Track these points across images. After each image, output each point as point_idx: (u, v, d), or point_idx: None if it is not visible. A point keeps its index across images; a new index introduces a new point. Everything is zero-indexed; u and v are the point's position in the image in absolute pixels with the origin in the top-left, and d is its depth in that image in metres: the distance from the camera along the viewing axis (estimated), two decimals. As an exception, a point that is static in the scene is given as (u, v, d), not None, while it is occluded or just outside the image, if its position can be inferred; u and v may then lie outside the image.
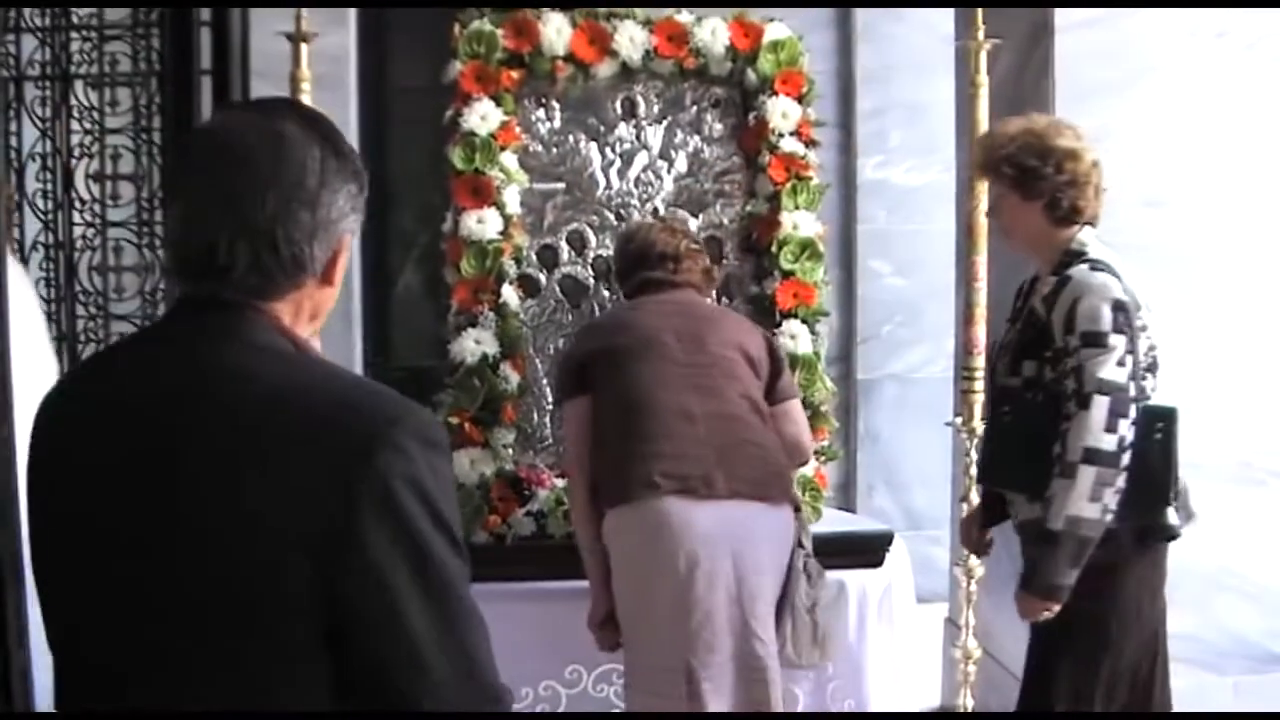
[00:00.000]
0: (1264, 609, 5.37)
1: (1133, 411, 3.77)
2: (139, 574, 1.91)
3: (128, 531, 1.92)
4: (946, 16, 5.93)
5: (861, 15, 7.82)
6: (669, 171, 5.03)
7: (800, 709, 4.67)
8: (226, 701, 1.89)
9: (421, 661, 1.88)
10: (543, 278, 5.00)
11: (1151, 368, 3.93)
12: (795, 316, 4.90)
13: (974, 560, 4.93)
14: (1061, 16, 5.11)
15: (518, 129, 4.89)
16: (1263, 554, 5.37)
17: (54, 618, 2.07)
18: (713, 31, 4.93)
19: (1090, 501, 3.76)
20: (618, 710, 4.51)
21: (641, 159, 5.05)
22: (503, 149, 4.80)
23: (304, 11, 4.65)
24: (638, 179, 5.05)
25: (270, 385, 1.93)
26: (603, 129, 5.03)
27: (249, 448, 1.88)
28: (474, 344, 4.70)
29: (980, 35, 4.95)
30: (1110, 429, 3.75)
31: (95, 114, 4.91)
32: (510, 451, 4.77)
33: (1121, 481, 3.75)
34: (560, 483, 4.78)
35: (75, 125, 4.93)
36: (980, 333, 4.88)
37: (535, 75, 4.92)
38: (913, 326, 7.75)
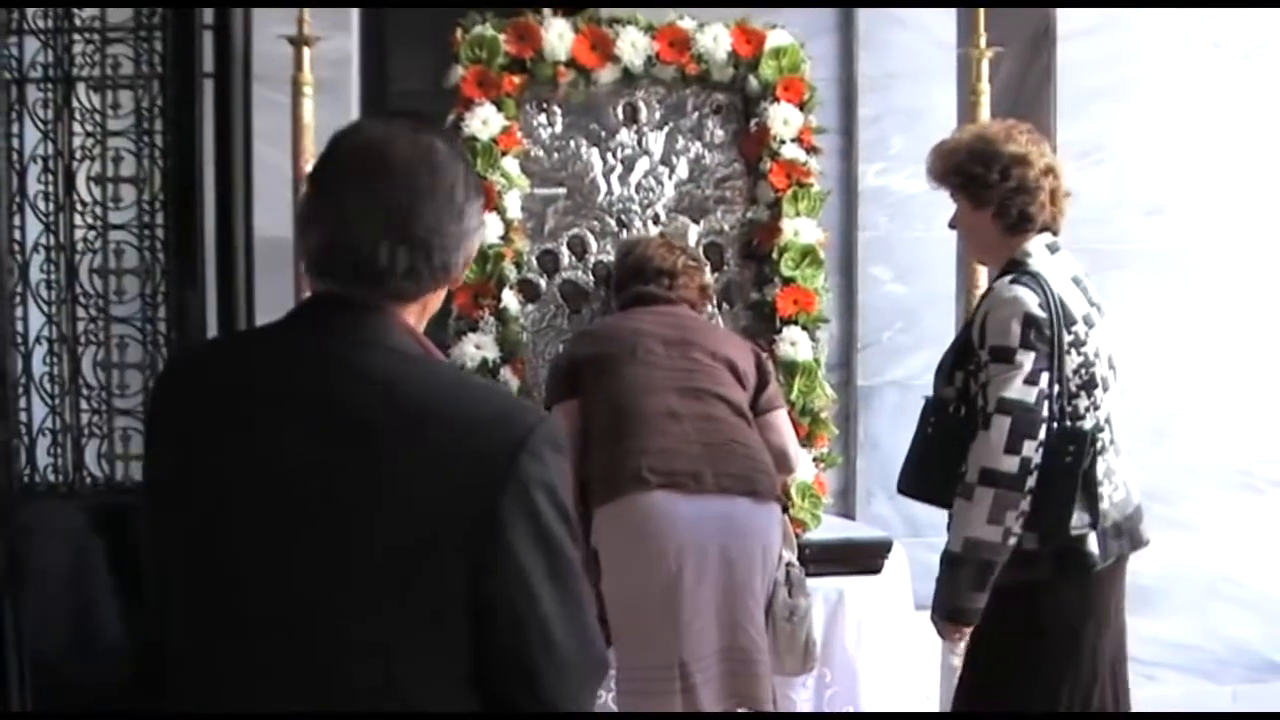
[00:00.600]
0: (1262, 617, 5.38)
1: (1042, 432, 3.61)
2: (284, 571, 2.05)
3: (272, 526, 2.06)
4: (949, 24, 5.94)
5: (863, 22, 7.80)
6: (670, 177, 5.04)
7: (798, 716, 4.68)
8: (361, 677, 2.04)
9: (551, 641, 2.08)
10: (543, 283, 5.01)
11: (1087, 385, 3.75)
12: (796, 323, 4.90)
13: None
14: (1063, 25, 5.13)
15: (519, 134, 4.90)
16: (1261, 562, 5.38)
17: (182, 602, 2.18)
18: (715, 38, 4.94)
19: (989, 524, 3.62)
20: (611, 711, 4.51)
21: (643, 165, 5.05)
22: (504, 154, 4.81)
23: (306, 15, 4.66)
24: (639, 185, 5.05)
25: (412, 391, 2.07)
26: (604, 134, 5.04)
27: (397, 454, 2.02)
28: (474, 349, 4.70)
29: (982, 43, 4.95)
30: (1011, 450, 3.60)
31: (97, 116, 4.91)
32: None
33: (1026, 504, 3.61)
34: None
35: (77, 128, 4.93)
36: (980, 340, 4.87)
37: (537, 80, 4.92)
38: (913, 333, 7.72)
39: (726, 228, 5.07)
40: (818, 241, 4.94)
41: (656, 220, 5.04)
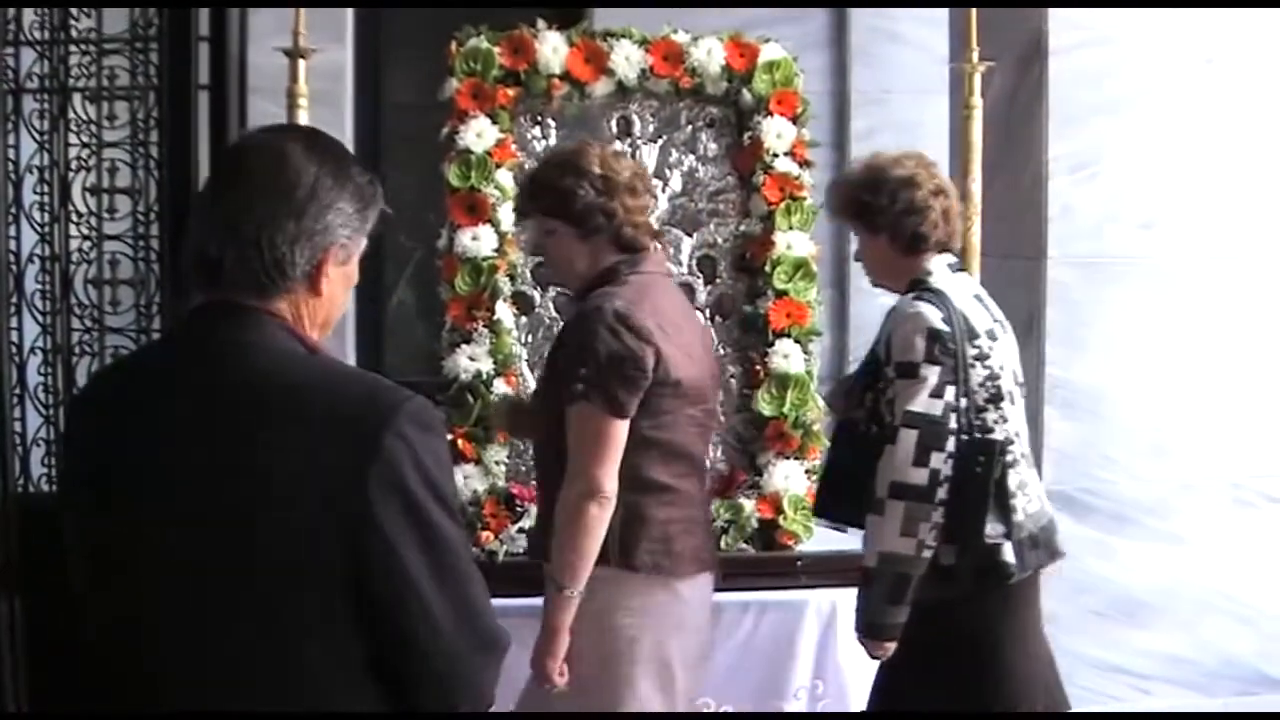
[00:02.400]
0: (1255, 631, 5.39)
1: (950, 444, 3.66)
2: (176, 563, 2.14)
3: (164, 520, 2.15)
4: (942, 39, 5.96)
5: (857, 37, 7.86)
6: (663, 190, 5.04)
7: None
8: (267, 667, 2.13)
9: (432, 619, 2.15)
10: (537, 295, 5.01)
11: (994, 399, 3.79)
12: (788, 336, 4.90)
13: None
14: (1055, 39, 5.14)
15: (513, 146, 4.90)
16: (1254, 576, 5.38)
17: (96, 604, 2.29)
18: (709, 51, 4.94)
19: (902, 536, 3.66)
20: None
21: (637, 177, 5.06)
22: (498, 166, 4.81)
23: (301, 28, 4.67)
24: (632, 197, 5.06)
25: (282, 380, 2.17)
26: (598, 147, 5.05)
27: (271, 440, 2.12)
28: (468, 361, 4.70)
29: (975, 58, 4.97)
30: (920, 463, 3.65)
31: (93, 127, 4.94)
32: (503, 468, 4.77)
33: (939, 516, 3.65)
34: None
35: (73, 138, 4.96)
36: (972, 353, 4.88)
37: (531, 93, 4.93)
38: (905, 347, 7.76)
39: (720, 241, 5.08)
40: (810, 255, 4.95)
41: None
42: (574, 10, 7.23)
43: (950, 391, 3.69)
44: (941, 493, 3.65)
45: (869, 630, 3.82)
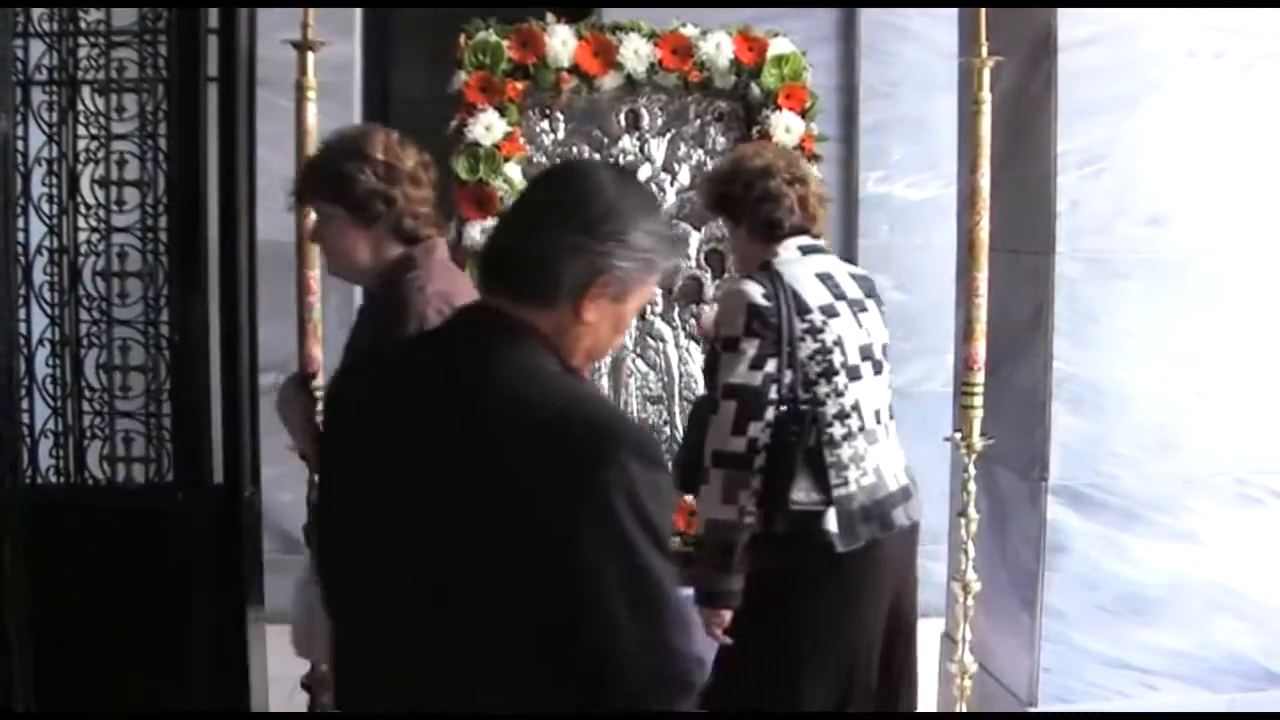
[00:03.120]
0: (1260, 628, 5.38)
1: (769, 414, 3.80)
2: (392, 553, 2.29)
3: (388, 512, 2.30)
4: (950, 33, 5.94)
5: (865, 31, 7.84)
6: (672, 184, 5.05)
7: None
8: (455, 666, 2.23)
9: (622, 653, 2.19)
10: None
11: (827, 372, 3.92)
12: (796, 330, 4.91)
13: (971, 575, 4.94)
14: (1064, 35, 5.13)
15: (522, 140, 4.91)
16: (1259, 573, 5.37)
17: (329, 581, 2.50)
18: (717, 45, 4.95)
19: (724, 504, 3.81)
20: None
21: (645, 171, 5.06)
22: (507, 160, 4.82)
23: (310, 20, 4.66)
24: (640, 191, 5.06)
25: (518, 392, 2.25)
26: (606, 141, 5.05)
27: (496, 448, 2.21)
28: (475, 353, 4.71)
29: (984, 52, 4.96)
30: (738, 431, 3.79)
31: (102, 119, 4.93)
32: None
33: (758, 483, 3.78)
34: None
35: (82, 130, 4.95)
36: (980, 348, 4.88)
37: (540, 87, 4.93)
38: (913, 341, 7.74)
39: (727, 235, 5.08)
40: (818, 249, 4.95)
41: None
42: (583, 9, 7.28)
43: (771, 363, 3.82)
44: (759, 460, 3.79)
45: (702, 599, 3.88)
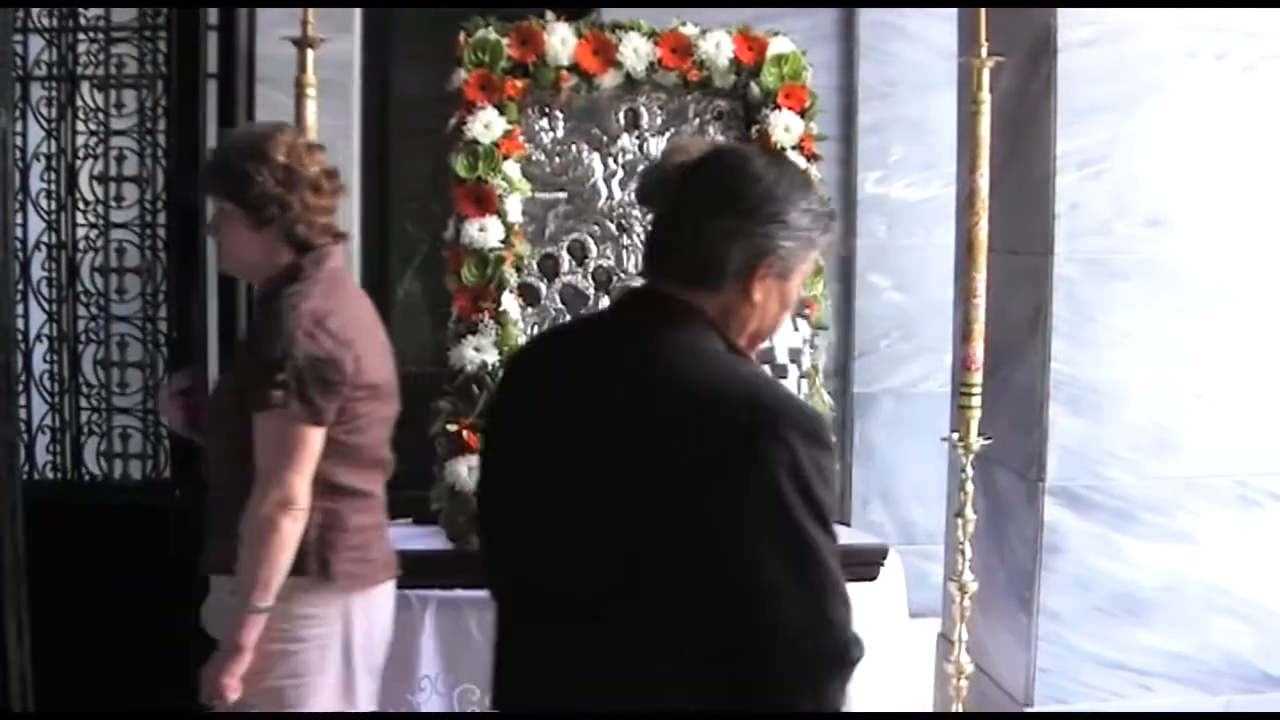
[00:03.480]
0: (1257, 629, 5.38)
1: None
2: (553, 524, 2.43)
3: (551, 485, 2.43)
4: (950, 33, 5.94)
5: (864, 31, 7.84)
6: (672, 183, 5.05)
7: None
8: (607, 646, 2.35)
9: (780, 623, 2.23)
10: (543, 287, 5.01)
11: None
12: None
13: (968, 576, 4.94)
14: (1064, 36, 5.13)
15: (521, 138, 4.90)
16: (1257, 575, 5.37)
17: (494, 547, 2.69)
18: (717, 44, 4.94)
19: None
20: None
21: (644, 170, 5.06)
22: (505, 158, 4.81)
23: (310, 17, 4.66)
24: (640, 190, 5.06)
25: (681, 370, 2.35)
26: (606, 139, 5.04)
27: (658, 427, 2.31)
28: (473, 352, 4.71)
29: (983, 53, 4.96)
30: None
31: (101, 115, 4.94)
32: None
33: None
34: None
35: (80, 126, 4.96)
36: (978, 349, 4.89)
37: (539, 85, 4.93)
38: (911, 341, 7.76)
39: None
40: (817, 249, 4.95)
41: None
42: (582, 9, 7.27)
43: None
44: None
45: None
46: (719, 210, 2.41)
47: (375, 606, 3.73)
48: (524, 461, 2.51)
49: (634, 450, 2.32)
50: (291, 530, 3.42)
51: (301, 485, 3.44)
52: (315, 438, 3.46)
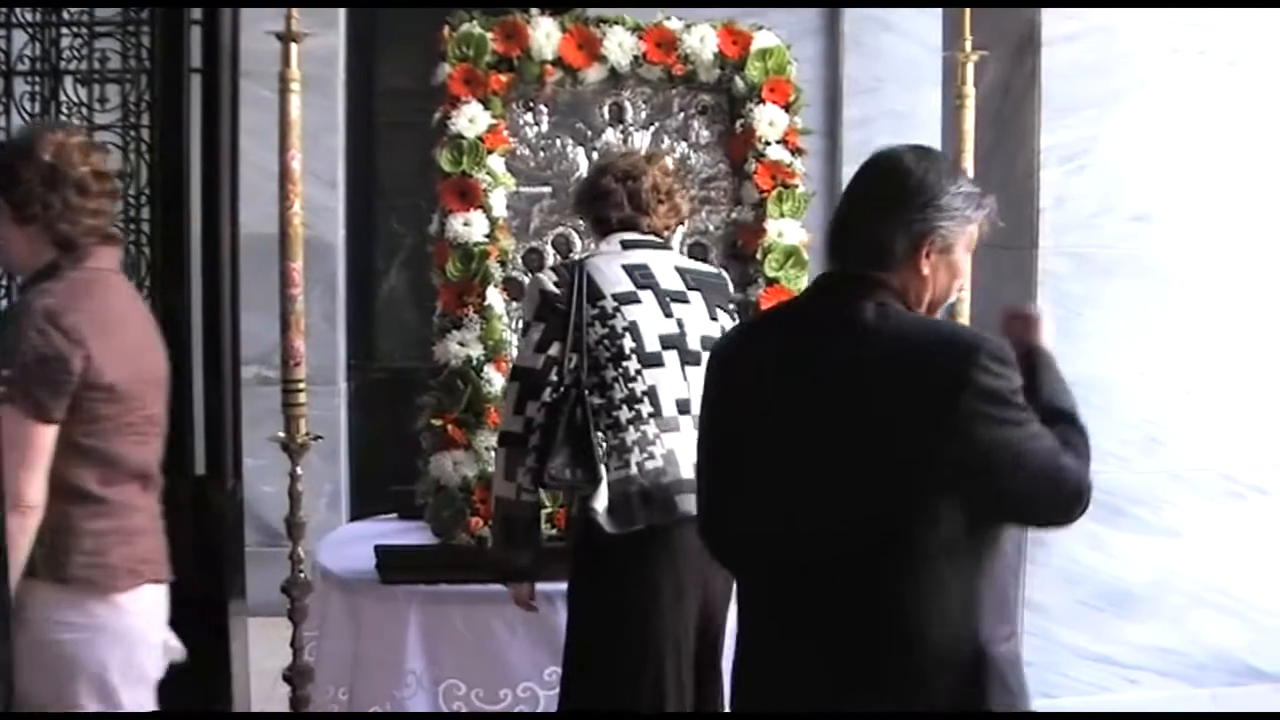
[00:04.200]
0: (1244, 623, 5.40)
1: (547, 394, 3.98)
2: (800, 479, 2.80)
3: (791, 446, 2.81)
4: (935, 28, 5.95)
5: (849, 25, 7.86)
6: (656, 177, 5.04)
7: None
8: (889, 575, 2.73)
9: (1034, 471, 2.73)
10: (528, 281, 5.01)
11: (615, 357, 4.01)
12: (779, 324, 4.92)
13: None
14: (1048, 30, 5.14)
15: (505, 132, 4.90)
16: (1244, 568, 5.39)
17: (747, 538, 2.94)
18: (701, 39, 4.94)
19: (505, 480, 4.04)
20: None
21: (628, 164, 5.06)
22: (490, 152, 4.81)
23: (294, 12, 4.65)
24: (624, 184, 5.05)
25: (886, 328, 2.76)
26: (590, 134, 5.04)
27: (880, 371, 2.73)
28: (458, 346, 4.70)
29: (968, 47, 4.96)
30: (518, 411, 4.03)
31: (84, 110, 4.91)
32: (493, 454, 4.77)
33: (533, 460, 3.96)
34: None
35: (64, 121, 4.93)
36: (964, 343, 4.88)
37: (524, 79, 4.92)
38: (897, 336, 7.77)
39: (711, 228, 5.08)
40: (802, 243, 4.95)
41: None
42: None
43: (555, 347, 4.01)
44: (535, 439, 3.97)
45: (495, 572, 4.23)
46: (880, 205, 2.86)
47: (126, 613, 3.59)
48: (778, 441, 2.84)
49: (884, 395, 2.71)
50: (20, 529, 3.33)
51: (29, 482, 3.36)
52: (43, 435, 3.39)
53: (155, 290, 4.87)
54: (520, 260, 4.98)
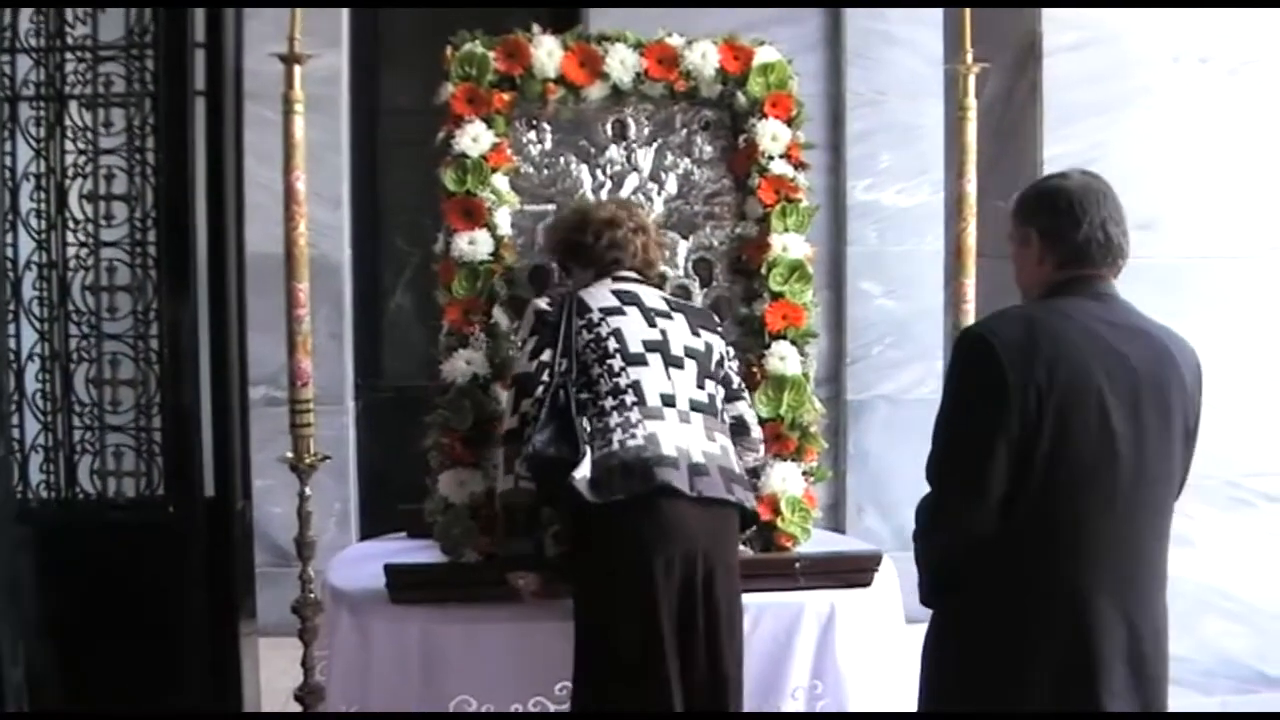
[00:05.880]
0: (1252, 629, 5.40)
1: (539, 391, 4.19)
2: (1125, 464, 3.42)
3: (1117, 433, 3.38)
4: (936, 40, 5.97)
5: (852, 39, 7.87)
6: (659, 193, 5.05)
7: (789, 728, 4.70)
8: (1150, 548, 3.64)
9: None
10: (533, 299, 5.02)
11: (601, 357, 4.25)
12: (785, 338, 4.92)
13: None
14: (1049, 41, 5.15)
15: (509, 151, 4.91)
16: (1251, 575, 5.39)
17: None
18: (703, 54, 4.95)
19: (505, 475, 4.27)
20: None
21: (632, 181, 5.06)
22: (494, 171, 4.82)
23: (297, 34, 4.67)
24: (628, 201, 5.06)
25: (1149, 330, 3.54)
26: (593, 151, 5.05)
27: (1167, 374, 3.48)
28: (464, 364, 4.71)
29: (969, 59, 4.98)
30: (514, 410, 4.26)
31: (89, 134, 4.94)
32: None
33: (531, 449, 4.13)
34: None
35: (69, 145, 4.96)
36: (969, 354, 4.89)
37: (526, 97, 4.93)
38: (903, 348, 7.77)
39: (715, 243, 5.09)
40: (806, 256, 4.96)
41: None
42: (569, 10, 7.27)
43: (547, 353, 4.26)
44: (529, 431, 4.17)
45: (504, 564, 4.43)
46: (1115, 223, 3.55)
47: None
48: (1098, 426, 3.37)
49: (1171, 398, 3.46)
50: None
51: None
52: None
53: (162, 313, 4.89)
54: (526, 278, 4.99)
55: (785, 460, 4.88)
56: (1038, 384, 3.33)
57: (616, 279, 4.47)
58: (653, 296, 4.46)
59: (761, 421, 4.81)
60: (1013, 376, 3.32)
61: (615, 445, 4.11)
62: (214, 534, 4.90)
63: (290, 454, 4.69)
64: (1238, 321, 5.33)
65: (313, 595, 4.76)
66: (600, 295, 4.40)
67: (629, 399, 4.20)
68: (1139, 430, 3.42)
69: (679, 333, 4.37)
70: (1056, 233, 3.62)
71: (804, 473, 4.86)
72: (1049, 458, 3.34)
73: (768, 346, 4.92)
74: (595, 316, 4.32)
